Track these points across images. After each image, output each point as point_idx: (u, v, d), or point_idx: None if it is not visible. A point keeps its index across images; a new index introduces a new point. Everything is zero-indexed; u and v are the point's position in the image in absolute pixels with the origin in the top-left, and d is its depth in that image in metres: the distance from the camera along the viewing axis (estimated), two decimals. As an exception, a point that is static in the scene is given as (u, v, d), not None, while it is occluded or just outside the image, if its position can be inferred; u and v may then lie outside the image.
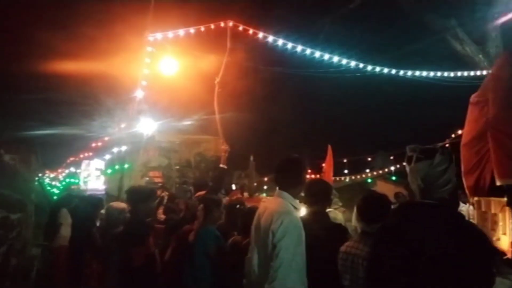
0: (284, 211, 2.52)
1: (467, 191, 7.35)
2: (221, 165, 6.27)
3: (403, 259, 1.71)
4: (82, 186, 12.62)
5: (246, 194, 7.47)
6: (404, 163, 1.83)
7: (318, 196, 2.97)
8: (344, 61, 8.34)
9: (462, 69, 8.97)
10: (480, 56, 9.36)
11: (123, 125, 8.07)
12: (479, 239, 1.75)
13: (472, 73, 8.91)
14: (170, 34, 6.53)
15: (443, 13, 9.77)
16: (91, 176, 12.39)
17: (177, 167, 10.24)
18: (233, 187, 8.97)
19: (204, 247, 3.63)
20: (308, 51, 8.01)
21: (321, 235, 2.67)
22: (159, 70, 7.16)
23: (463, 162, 7.29)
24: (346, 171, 13.42)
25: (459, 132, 9.55)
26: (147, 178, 9.81)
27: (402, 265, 1.71)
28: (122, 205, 3.96)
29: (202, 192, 5.14)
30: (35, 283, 6.13)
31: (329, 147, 8.64)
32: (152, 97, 8.29)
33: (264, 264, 2.50)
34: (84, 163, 13.00)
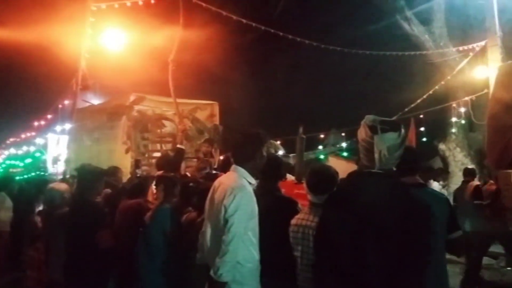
0: (237, 185, 2.50)
1: (490, 164, 7.72)
2: (178, 146, 6.03)
3: (351, 225, 1.78)
4: (52, 169, 10.12)
5: (290, 177, 5.47)
6: (368, 133, 1.85)
7: (268, 171, 2.97)
8: (298, 39, 8.33)
9: (410, 48, 9.35)
10: (426, 36, 9.80)
11: (66, 101, 7.51)
12: (422, 208, 1.85)
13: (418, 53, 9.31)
14: (116, 3, 6.10)
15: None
16: (62, 156, 9.70)
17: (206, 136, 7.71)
18: None
19: (161, 227, 3.63)
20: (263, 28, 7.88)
21: (272, 208, 2.69)
22: (104, 44, 6.67)
23: (487, 134, 7.61)
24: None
25: (405, 109, 10.07)
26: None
27: (350, 230, 1.78)
28: (64, 186, 3.77)
29: (160, 172, 5.00)
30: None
31: (412, 120, 8.96)
32: (100, 72, 7.78)
33: (216, 238, 2.50)
34: (51, 140, 10.48)
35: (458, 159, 9.78)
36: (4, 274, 4.90)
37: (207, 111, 8.41)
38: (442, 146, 10.26)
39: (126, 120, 7.39)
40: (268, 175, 2.99)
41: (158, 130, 7.91)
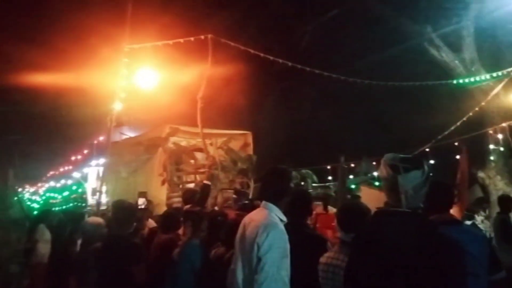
0: (270, 223, 2.48)
1: None
2: (205, 181, 6.07)
3: (378, 267, 1.72)
4: (91, 200, 9.72)
5: (332, 209, 5.72)
6: (390, 172, 1.83)
7: (297, 206, 2.94)
8: (325, 74, 8.32)
9: (440, 75, 9.18)
10: (456, 62, 9.62)
11: (101, 137, 7.85)
12: (452, 248, 1.76)
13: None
14: (148, 45, 6.45)
15: (419, 20, 10.05)
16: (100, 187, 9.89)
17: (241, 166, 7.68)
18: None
19: (190, 263, 3.61)
20: (290, 63, 7.95)
21: (300, 246, 2.65)
22: (137, 83, 6.99)
23: None
24: (330, 178, 13.42)
25: (438, 137, 9.77)
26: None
27: (377, 273, 1.72)
28: (99, 220, 3.89)
29: (188, 206, 5.07)
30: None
31: (464, 149, 7.53)
32: (134, 109, 8.11)
33: (248, 277, 2.46)
34: (91, 173, 10.45)
35: (500, 187, 9.26)
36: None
37: (240, 141, 8.39)
38: (481, 174, 9.77)
39: (162, 152, 7.52)
40: (297, 211, 2.96)
41: (192, 161, 8.00)
